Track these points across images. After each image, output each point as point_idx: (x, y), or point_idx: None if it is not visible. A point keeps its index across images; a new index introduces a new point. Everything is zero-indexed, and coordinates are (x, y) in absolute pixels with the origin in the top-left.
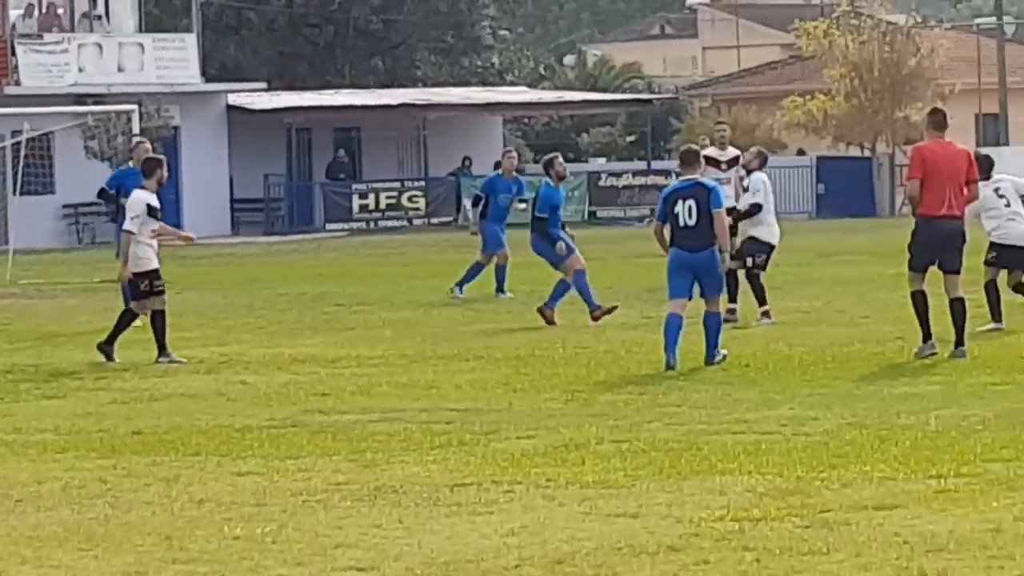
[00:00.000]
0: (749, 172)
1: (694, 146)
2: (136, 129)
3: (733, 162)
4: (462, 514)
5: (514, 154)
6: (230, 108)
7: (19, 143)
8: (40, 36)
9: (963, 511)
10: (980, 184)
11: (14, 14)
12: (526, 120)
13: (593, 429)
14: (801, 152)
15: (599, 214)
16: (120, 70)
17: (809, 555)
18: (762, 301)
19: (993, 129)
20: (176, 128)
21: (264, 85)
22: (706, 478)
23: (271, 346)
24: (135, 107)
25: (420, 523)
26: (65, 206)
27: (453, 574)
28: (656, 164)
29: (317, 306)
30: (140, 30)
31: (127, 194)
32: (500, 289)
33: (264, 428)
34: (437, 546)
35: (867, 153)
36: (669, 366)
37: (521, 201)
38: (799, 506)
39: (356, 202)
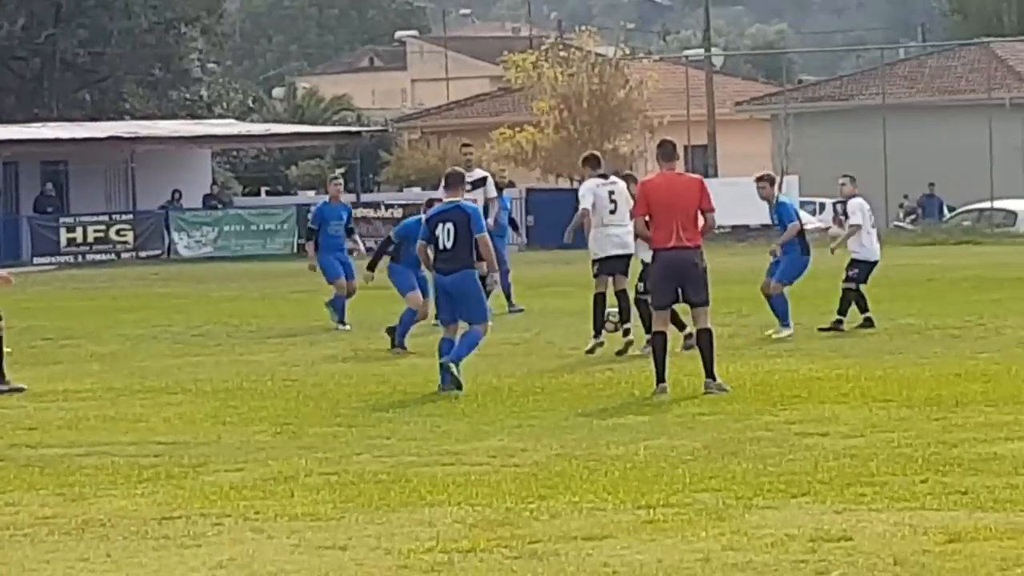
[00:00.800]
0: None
1: (458, 168)
2: None
3: (479, 183)
4: (170, 547)
5: (340, 181)
6: None
7: None
8: None
9: (671, 541)
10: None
11: None
12: (235, 152)
13: (302, 461)
14: (511, 184)
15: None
16: None
17: None
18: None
19: (702, 160)
20: None
21: None
22: (415, 509)
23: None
24: None
25: (128, 556)
26: None
27: None
28: (365, 197)
29: (24, 340)
30: None
31: None
32: (341, 320)
33: None
34: None
35: (576, 185)
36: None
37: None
38: (508, 537)
39: (64, 235)
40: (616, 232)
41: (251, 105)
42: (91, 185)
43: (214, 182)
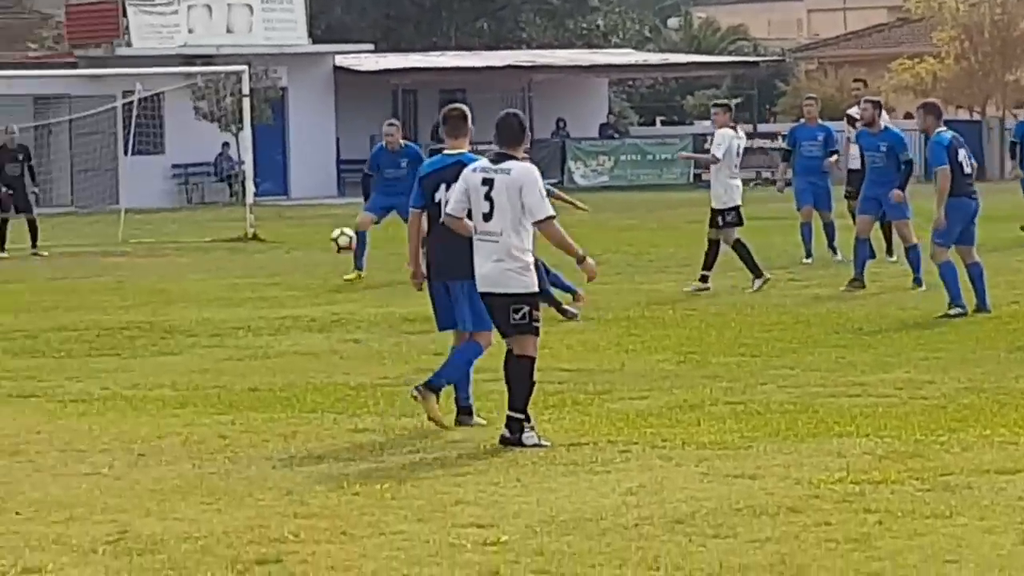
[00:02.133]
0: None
1: (462, 106)
2: (245, 90)
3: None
4: (579, 473)
5: (396, 124)
6: (337, 69)
7: (131, 103)
8: None
9: None
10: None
11: None
12: (630, 82)
13: (707, 390)
14: (909, 116)
15: (704, 177)
16: (229, 31)
17: (932, 518)
18: None
19: None
20: (284, 89)
21: (371, 47)
22: (823, 440)
23: (382, 306)
24: (244, 68)
25: (538, 481)
26: (174, 166)
27: (572, 532)
28: (762, 127)
29: None
30: None
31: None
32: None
33: (378, 386)
34: (556, 504)
35: (976, 116)
36: None
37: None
38: (919, 469)
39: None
40: (739, 184)
41: (647, 35)
42: (488, 113)
43: (610, 111)
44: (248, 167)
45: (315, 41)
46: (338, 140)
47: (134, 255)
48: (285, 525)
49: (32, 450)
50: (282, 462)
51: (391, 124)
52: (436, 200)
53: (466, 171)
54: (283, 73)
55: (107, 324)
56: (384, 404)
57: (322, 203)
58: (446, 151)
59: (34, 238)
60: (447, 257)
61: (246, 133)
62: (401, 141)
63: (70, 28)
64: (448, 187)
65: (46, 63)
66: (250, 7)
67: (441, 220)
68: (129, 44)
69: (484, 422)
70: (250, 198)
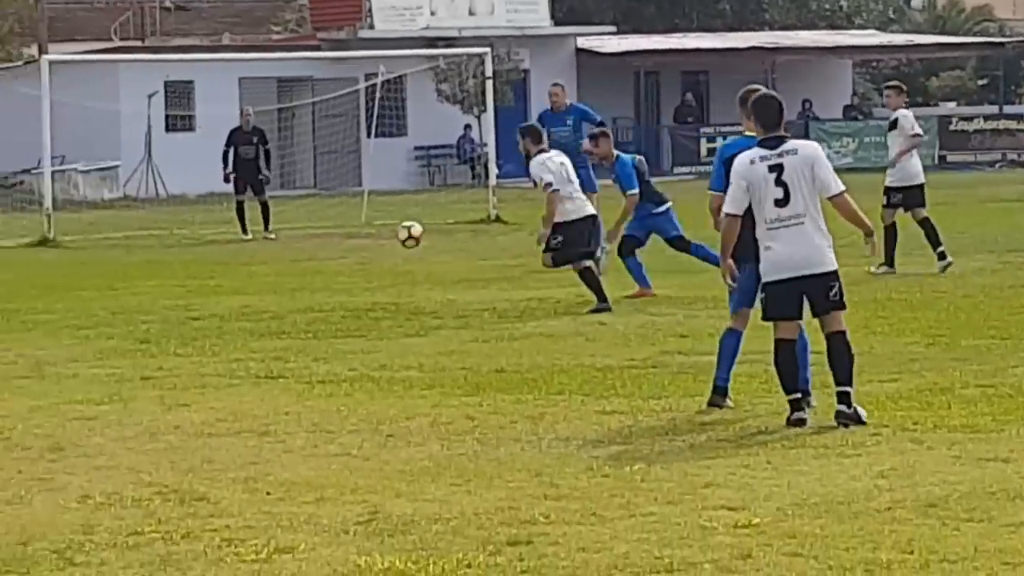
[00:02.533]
0: None
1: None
2: (488, 72)
3: None
4: (830, 456)
5: (560, 84)
6: (579, 51)
7: (374, 86)
8: None
9: None
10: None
11: None
12: (875, 63)
13: (957, 373)
14: None
15: (949, 158)
16: (471, 13)
17: None
18: None
19: None
20: (526, 71)
21: (613, 28)
22: None
23: (627, 288)
24: (487, 50)
25: (788, 464)
26: (417, 148)
27: (824, 515)
28: (1008, 108)
29: (661, 248)
30: None
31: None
32: None
33: (625, 368)
34: (807, 487)
35: None
36: None
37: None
38: None
39: (704, 146)
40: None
41: (891, 15)
42: (731, 95)
43: (854, 93)
44: (491, 149)
45: (557, 23)
46: None
47: (378, 237)
48: (535, 506)
49: (281, 431)
50: (530, 444)
51: (556, 84)
52: None
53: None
54: (525, 55)
55: (352, 305)
56: (631, 386)
57: None
58: (746, 133)
59: (266, 221)
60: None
61: (488, 115)
62: (567, 101)
63: (313, 10)
64: None
65: (289, 46)
66: None
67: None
68: (372, 26)
69: (732, 405)
70: (493, 180)
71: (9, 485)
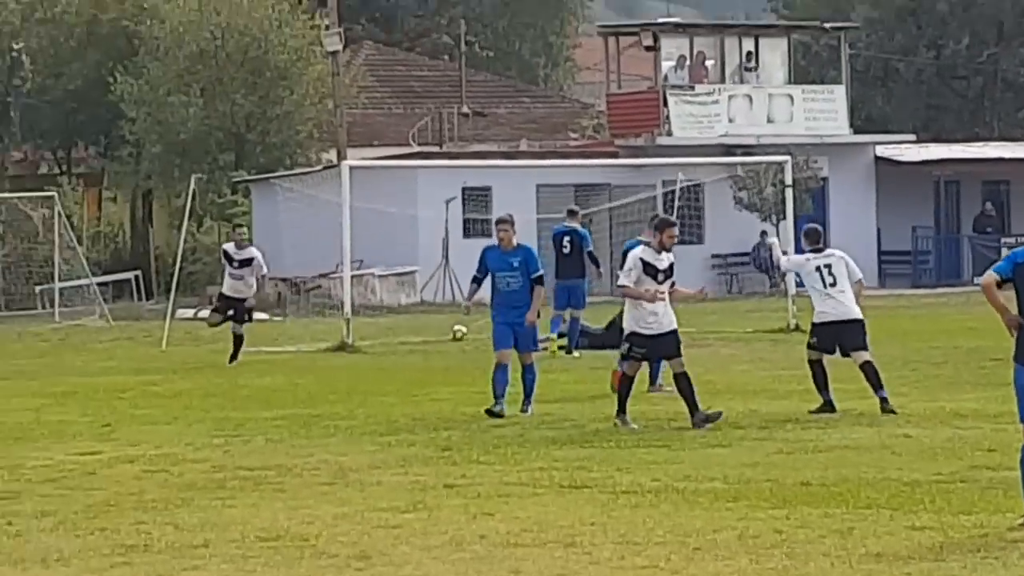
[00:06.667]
0: None
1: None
2: (788, 180)
3: None
4: None
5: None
6: (878, 159)
7: (672, 192)
8: (691, 88)
9: None
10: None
11: (666, 66)
12: None
13: None
14: None
15: None
16: (769, 121)
17: None
18: None
19: None
20: (824, 179)
21: (912, 137)
22: None
23: (931, 400)
24: (787, 158)
25: None
26: (714, 256)
27: None
28: None
29: (972, 360)
30: (789, 82)
31: None
32: None
33: (932, 482)
34: None
35: None
36: None
37: None
38: None
39: (1004, 256)
40: None
41: None
42: None
43: None
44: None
45: (856, 131)
46: (879, 231)
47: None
48: None
49: (587, 542)
50: (840, 559)
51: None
52: None
53: None
54: (824, 163)
55: (652, 415)
56: (940, 501)
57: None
58: None
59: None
60: None
61: (788, 223)
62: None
63: (612, 118)
64: None
65: (587, 152)
66: (791, 97)
67: None
68: (670, 133)
69: None
70: (792, 288)
71: None
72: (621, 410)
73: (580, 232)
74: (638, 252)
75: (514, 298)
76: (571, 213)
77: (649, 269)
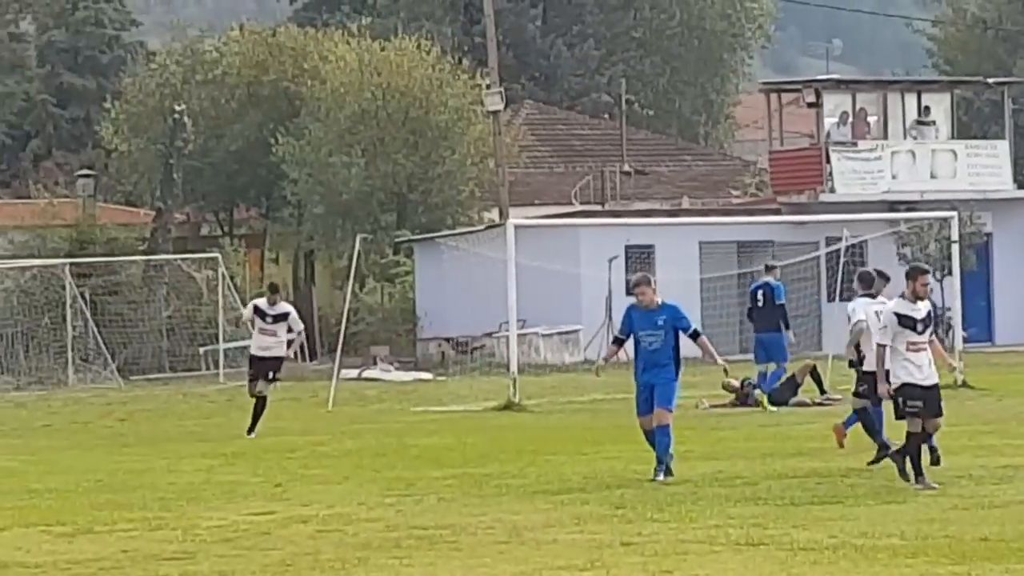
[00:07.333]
0: None
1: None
2: (954, 236)
3: None
4: None
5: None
6: None
7: (837, 250)
8: (854, 144)
9: None
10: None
11: (828, 122)
12: None
13: None
14: None
15: None
16: (932, 177)
17: None
18: None
19: None
20: (988, 235)
21: None
22: None
23: None
24: (953, 214)
25: None
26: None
27: None
28: None
29: None
30: (952, 137)
31: None
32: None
33: None
34: None
35: None
36: None
37: None
38: None
39: None
40: None
41: None
42: None
43: None
44: (956, 313)
45: (1020, 186)
46: None
47: (844, 401)
48: None
49: None
50: None
51: None
52: None
53: None
54: (987, 219)
55: (826, 471)
56: None
57: None
58: None
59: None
60: None
61: (954, 279)
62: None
63: (774, 175)
64: None
65: (750, 210)
66: (954, 152)
67: None
68: (832, 190)
69: None
70: (960, 344)
71: None
72: (918, 473)
73: (772, 285)
74: (891, 306)
75: (656, 357)
76: (768, 268)
77: (906, 321)
